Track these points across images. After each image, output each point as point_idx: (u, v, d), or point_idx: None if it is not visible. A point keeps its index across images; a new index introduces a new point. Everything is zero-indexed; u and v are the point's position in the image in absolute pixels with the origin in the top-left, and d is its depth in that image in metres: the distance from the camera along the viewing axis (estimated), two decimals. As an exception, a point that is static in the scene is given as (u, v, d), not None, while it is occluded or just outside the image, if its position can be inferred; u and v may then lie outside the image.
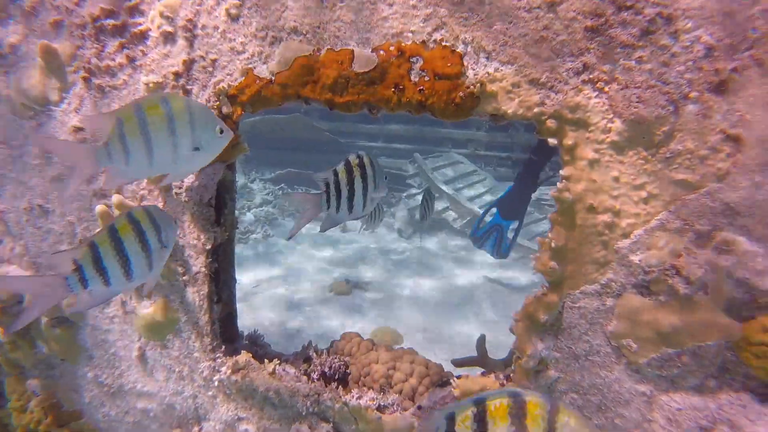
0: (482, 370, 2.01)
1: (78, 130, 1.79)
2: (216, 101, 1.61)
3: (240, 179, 9.41)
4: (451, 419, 0.91)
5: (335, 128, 10.00)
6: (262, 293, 6.41)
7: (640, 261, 1.26)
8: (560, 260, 1.34)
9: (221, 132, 1.15)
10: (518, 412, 0.83)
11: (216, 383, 1.84)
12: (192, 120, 1.09)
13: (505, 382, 1.52)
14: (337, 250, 7.89)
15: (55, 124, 1.83)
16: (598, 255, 1.31)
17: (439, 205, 8.53)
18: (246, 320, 5.30)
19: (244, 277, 6.69)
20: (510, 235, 4.00)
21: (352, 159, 1.41)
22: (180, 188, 1.64)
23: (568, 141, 1.29)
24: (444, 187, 8.55)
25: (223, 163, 1.68)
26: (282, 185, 9.50)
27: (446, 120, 1.41)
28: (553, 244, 1.33)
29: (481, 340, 2.14)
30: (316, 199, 1.35)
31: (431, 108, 1.40)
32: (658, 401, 1.29)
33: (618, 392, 1.35)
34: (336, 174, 1.34)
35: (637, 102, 1.22)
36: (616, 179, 1.27)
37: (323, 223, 1.41)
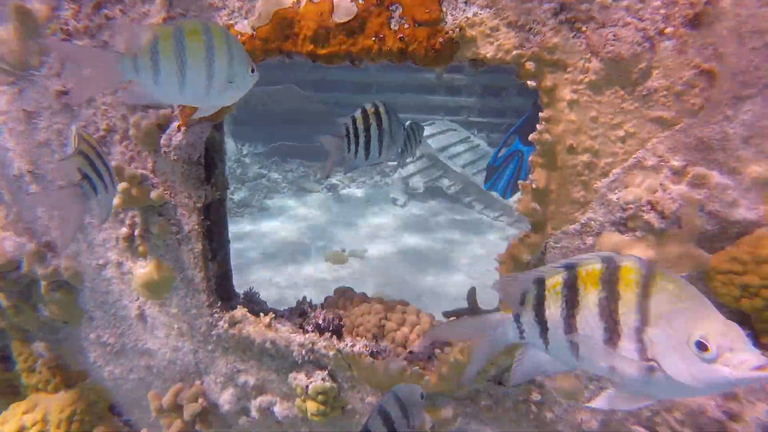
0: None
1: (61, 94, 1.79)
2: (199, 58, 1.61)
3: (232, 154, 9.36)
4: (540, 283, 0.88)
5: (329, 99, 9.89)
6: (258, 262, 6.48)
7: (617, 199, 1.30)
8: (542, 201, 1.37)
9: (253, 71, 1.14)
10: (611, 278, 0.77)
11: (214, 338, 1.91)
12: (230, 53, 1.07)
13: (491, 323, 1.58)
14: (331, 215, 7.95)
15: (37, 89, 1.83)
16: (578, 195, 1.34)
17: (434, 173, 8.55)
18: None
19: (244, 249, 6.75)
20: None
21: (369, 107, 1.45)
22: (168, 147, 1.66)
23: (547, 83, 1.31)
24: (438, 155, 8.54)
25: (210, 122, 1.69)
26: (275, 158, 9.46)
27: (428, 66, 1.42)
28: (534, 186, 1.36)
29: (472, 292, 2.20)
30: (339, 142, 1.39)
31: (412, 55, 1.40)
32: (635, 333, 1.35)
33: (598, 327, 1.40)
34: (354, 120, 1.38)
35: (613, 40, 1.23)
36: (594, 119, 1.29)
37: (344, 167, 1.47)
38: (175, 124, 1.64)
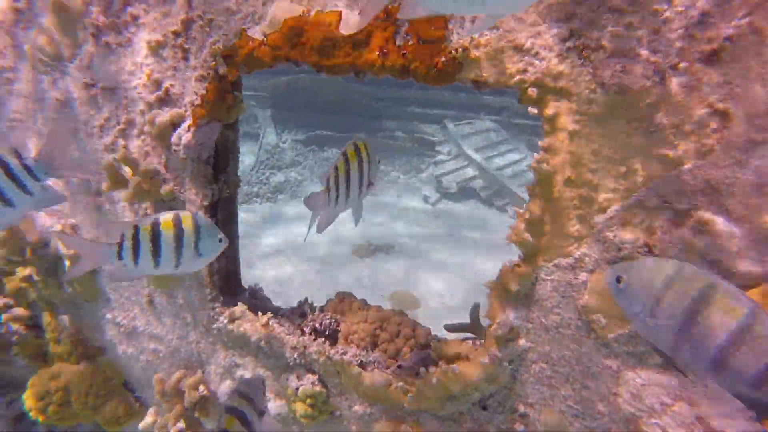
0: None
1: (89, 86, 1.88)
2: (212, 61, 1.65)
3: (272, 139, 9.56)
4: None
5: (371, 92, 9.90)
6: (284, 250, 6.62)
7: (614, 237, 1.24)
8: (535, 232, 1.33)
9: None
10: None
11: (215, 331, 1.97)
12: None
13: (479, 347, 1.55)
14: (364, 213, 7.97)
15: (68, 80, 1.92)
16: (573, 229, 1.29)
17: (468, 173, 8.42)
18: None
19: (272, 238, 6.89)
20: None
21: (349, 150, 1.43)
22: (178, 146, 1.71)
23: (549, 111, 1.26)
24: (473, 155, 8.40)
25: (218, 122, 1.73)
26: (313, 146, 9.60)
27: (429, 84, 1.39)
28: (528, 216, 1.32)
29: (475, 309, 2.17)
30: (322, 197, 1.42)
31: (414, 73, 1.38)
32: (624, 376, 1.29)
33: (586, 365, 1.35)
34: (336, 169, 1.40)
35: (621, 72, 1.16)
36: (596, 152, 1.23)
37: (320, 223, 1.47)
38: (186, 123, 1.69)
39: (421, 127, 9.67)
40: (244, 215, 7.27)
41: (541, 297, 1.38)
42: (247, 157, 8.92)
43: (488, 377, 1.46)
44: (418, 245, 6.97)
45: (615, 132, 1.20)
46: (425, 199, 8.20)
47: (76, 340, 2.62)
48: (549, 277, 1.35)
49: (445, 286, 6.09)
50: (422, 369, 1.63)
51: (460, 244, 7.06)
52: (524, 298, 1.41)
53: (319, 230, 1.46)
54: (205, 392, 2.16)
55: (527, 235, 1.33)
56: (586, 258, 1.29)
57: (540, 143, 1.30)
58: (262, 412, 1.41)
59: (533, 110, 1.28)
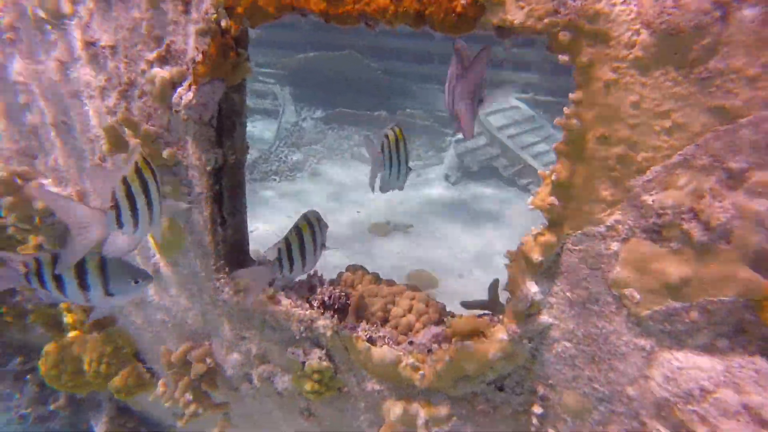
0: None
1: (89, 44, 1.79)
2: (214, 13, 1.53)
3: (291, 116, 9.46)
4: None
5: (388, 67, 9.66)
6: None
7: (653, 201, 1.09)
8: (562, 196, 1.19)
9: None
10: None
11: (220, 303, 1.90)
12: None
13: (497, 323, 1.44)
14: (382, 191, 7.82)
15: (68, 38, 1.84)
16: (606, 193, 1.15)
17: (490, 152, 8.18)
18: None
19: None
20: None
21: (390, 134, 1.58)
22: (179, 106, 1.61)
23: (583, 58, 1.10)
24: (497, 134, 8.15)
25: (221, 81, 1.62)
26: (333, 124, 9.46)
27: (447, 33, 1.25)
28: (554, 178, 1.18)
29: (494, 285, 2.05)
30: (378, 156, 1.56)
31: (431, 20, 1.24)
32: (658, 358, 1.16)
33: (615, 344, 1.22)
34: (388, 140, 1.56)
35: (672, 8, 1.00)
36: (636, 105, 1.08)
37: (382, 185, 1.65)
38: (187, 81, 1.59)
39: (440, 105, 9.42)
40: (263, 192, 7.24)
41: (566, 269, 1.24)
42: (266, 134, 8.85)
43: (506, 355, 1.35)
44: (437, 225, 6.83)
45: (660, 81, 1.05)
46: (446, 177, 8.02)
47: (88, 309, 2.60)
48: (576, 247, 1.21)
49: (463, 267, 5.96)
50: (434, 346, 1.53)
51: (480, 224, 6.89)
52: (547, 270, 1.28)
53: (383, 191, 1.62)
54: (212, 364, 2.11)
55: (553, 200, 1.19)
56: (619, 226, 1.15)
57: (570, 96, 1.15)
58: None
59: (564, 58, 1.13)
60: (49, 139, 2.13)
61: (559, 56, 1.14)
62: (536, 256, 1.24)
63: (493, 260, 6.05)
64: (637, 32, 1.04)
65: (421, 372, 1.52)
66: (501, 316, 1.42)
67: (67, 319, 2.73)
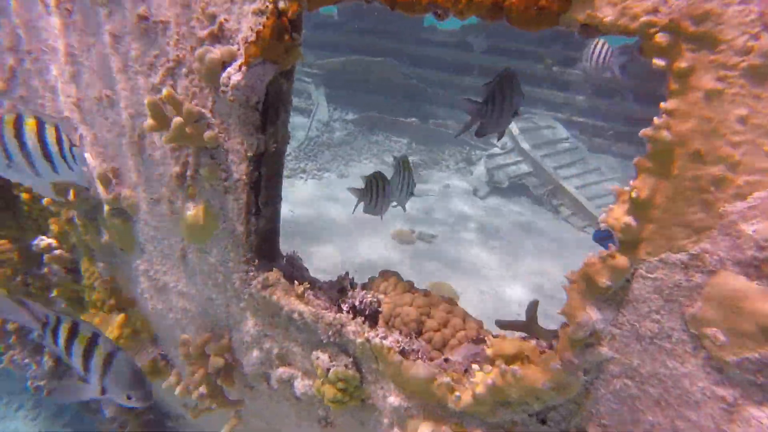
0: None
1: (142, 18, 1.75)
2: (272, -6, 1.47)
3: (324, 116, 9.46)
4: None
5: (423, 76, 9.59)
6: (327, 228, 6.51)
7: (754, 232, 0.96)
8: (640, 216, 1.06)
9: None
10: None
11: (246, 296, 1.82)
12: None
13: (546, 349, 1.31)
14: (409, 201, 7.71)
15: (122, 11, 1.80)
16: (694, 217, 1.02)
17: (521, 169, 8.01)
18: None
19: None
20: None
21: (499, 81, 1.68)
22: (226, 86, 1.54)
23: (682, 64, 0.98)
24: (529, 151, 7.97)
25: (273, 64, 1.55)
26: (363, 127, 9.42)
27: (526, 28, 1.15)
28: (634, 195, 1.05)
29: (533, 306, 1.92)
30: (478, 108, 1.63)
31: (509, 12, 1.14)
32: (743, 413, 1.02)
33: (687, 390, 1.09)
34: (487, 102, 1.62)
35: (797, 12, 0.88)
36: (743, 120, 0.95)
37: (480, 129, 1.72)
38: (237, 62, 1.52)
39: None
40: (289, 188, 7.21)
41: (636, 298, 1.12)
42: (297, 132, 8.87)
43: (557, 386, 1.22)
44: (462, 238, 6.69)
45: (774, 94, 0.92)
46: (474, 191, 7.87)
47: (111, 289, 2.56)
48: (651, 275, 1.09)
49: (486, 284, 5.80)
50: (475, 366, 1.41)
51: (506, 242, 6.72)
52: (613, 296, 1.16)
53: (478, 135, 1.71)
54: (231, 359, 2.03)
55: (629, 220, 1.07)
56: (707, 256, 1.02)
57: (662, 105, 1.03)
58: None
59: (660, 62, 1.01)
60: (92, 112, 2.10)
61: (654, 60, 1.02)
62: (604, 280, 1.12)
63: (517, 279, 5.87)
64: (756, 36, 0.91)
65: (457, 393, 1.40)
66: (553, 342, 1.29)
67: (88, 297, 2.70)
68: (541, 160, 7.90)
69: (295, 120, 9.36)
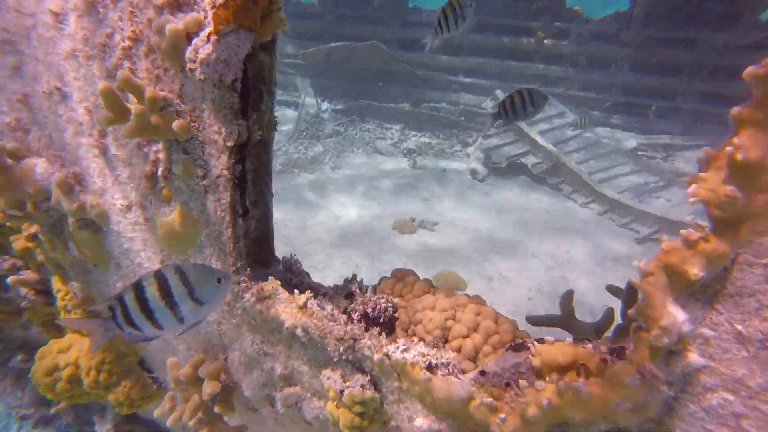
0: (567, 333, 1.57)
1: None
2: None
3: (312, 108, 9.14)
4: None
5: (414, 59, 9.26)
6: (324, 223, 6.24)
7: None
8: (746, 184, 0.81)
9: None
10: None
11: (239, 311, 1.56)
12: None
13: (610, 358, 1.06)
14: (405, 185, 7.45)
15: (63, -17, 1.51)
16: (820, 180, 0.76)
17: (519, 148, 7.76)
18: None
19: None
20: None
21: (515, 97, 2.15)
22: (194, 62, 1.26)
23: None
24: (526, 129, 7.72)
25: (249, 32, 1.27)
26: (353, 116, 9.11)
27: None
28: (740, 157, 0.80)
29: (568, 297, 1.69)
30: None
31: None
32: None
33: (808, 403, 0.84)
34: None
35: None
36: None
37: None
38: (205, 31, 1.24)
39: (467, 98, 9.00)
40: (285, 184, 6.92)
41: (739, 291, 0.87)
42: (285, 126, 8.55)
43: (633, 404, 0.98)
44: (464, 223, 6.45)
45: None
46: (472, 173, 7.62)
47: (87, 312, 2.30)
48: (761, 260, 0.84)
49: (493, 270, 5.58)
50: (522, 382, 1.16)
51: (509, 223, 6.49)
52: (702, 290, 0.91)
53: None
54: (228, 381, 1.78)
55: (732, 190, 0.81)
56: (840, 230, 0.77)
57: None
58: None
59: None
60: (43, 110, 1.81)
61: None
62: (695, 271, 0.86)
63: (526, 263, 5.65)
64: None
65: (501, 415, 1.15)
66: (625, 349, 1.04)
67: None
68: (538, 137, 7.65)
69: (281, 114, 9.04)
